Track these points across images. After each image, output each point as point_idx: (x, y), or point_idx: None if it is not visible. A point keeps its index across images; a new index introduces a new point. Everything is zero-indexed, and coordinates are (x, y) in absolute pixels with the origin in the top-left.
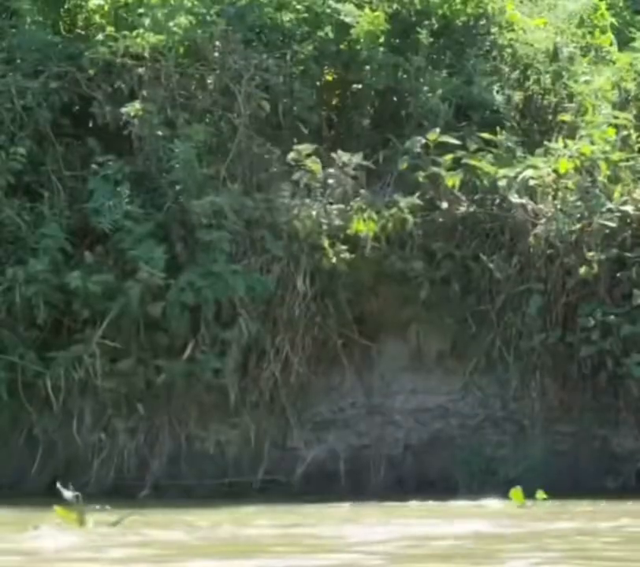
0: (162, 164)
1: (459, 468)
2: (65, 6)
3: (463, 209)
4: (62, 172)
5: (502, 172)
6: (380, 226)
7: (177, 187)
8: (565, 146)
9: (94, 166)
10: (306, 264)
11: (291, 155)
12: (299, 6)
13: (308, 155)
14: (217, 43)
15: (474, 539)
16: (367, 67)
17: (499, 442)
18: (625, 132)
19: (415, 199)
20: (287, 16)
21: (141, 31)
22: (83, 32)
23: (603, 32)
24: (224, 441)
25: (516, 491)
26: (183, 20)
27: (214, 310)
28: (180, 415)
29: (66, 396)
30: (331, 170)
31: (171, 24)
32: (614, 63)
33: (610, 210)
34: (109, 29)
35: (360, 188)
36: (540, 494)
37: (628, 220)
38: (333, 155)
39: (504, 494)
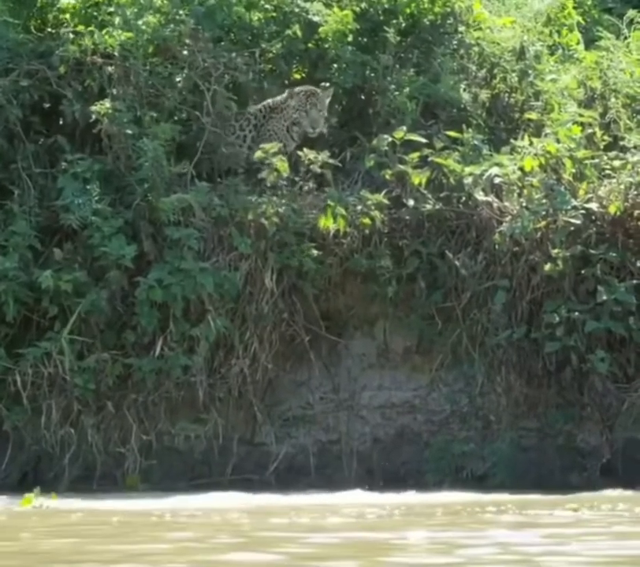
0: (131, 162)
1: (427, 463)
2: (36, 5)
3: (429, 206)
4: (32, 170)
5: (468, 169)
6: (347, 223)
7: (146, 185)
8: (531, 144)
9: (63, 164)
10: (274, 262)
11: (257, 154)
12: (267, 5)
13: (275, 153)
14: (187, 41)
15: None
16: (335, 65)
17: (465, 437)
18: (590, 130)
19: (382, 197)
20: (256, 15)
21: (111, 29)
22: (53, 31)
23: (570, 31)
24: (193, 437)
25: (27, 497)
26: (152, 18)
27: (183, 307)
28: (149, 411)
29: (35, 392)
30: (298, 168)
31: (140, 22)
32: (580, 61)
33: (575, 208)
34: (80, 27)
35: (327, 186)
36: (54, 495)
37: (593, 218)
38: (300, 153)
39: (473, 489)
